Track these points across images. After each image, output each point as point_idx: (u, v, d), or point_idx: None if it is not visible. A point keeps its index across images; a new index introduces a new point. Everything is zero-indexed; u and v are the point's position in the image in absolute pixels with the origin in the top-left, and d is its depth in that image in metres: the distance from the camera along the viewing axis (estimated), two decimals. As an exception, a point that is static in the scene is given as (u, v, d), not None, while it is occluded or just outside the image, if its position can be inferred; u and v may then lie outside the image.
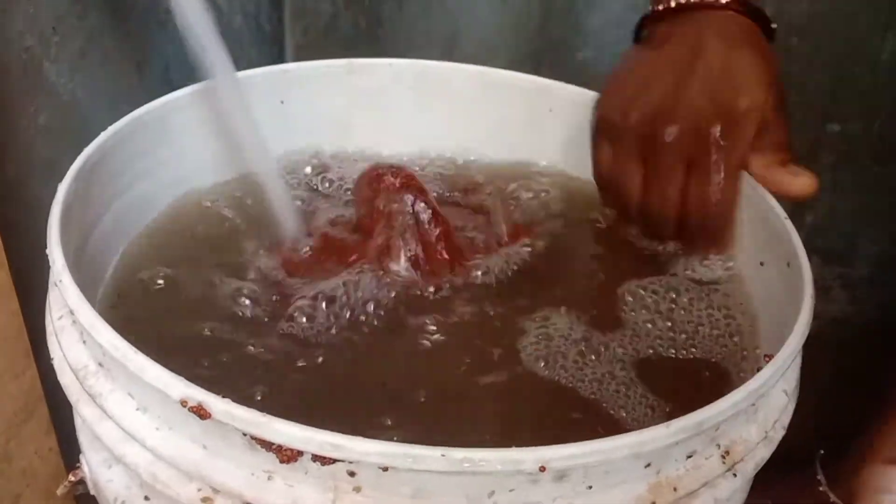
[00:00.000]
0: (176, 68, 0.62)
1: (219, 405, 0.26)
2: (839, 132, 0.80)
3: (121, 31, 0.57)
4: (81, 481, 0.38)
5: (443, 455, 0.25)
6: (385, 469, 0.25)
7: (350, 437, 0.25)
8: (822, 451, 0.68)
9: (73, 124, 0.52)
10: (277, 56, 0.89)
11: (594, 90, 0.53)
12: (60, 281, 0.31)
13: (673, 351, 0.38)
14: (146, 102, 0.45)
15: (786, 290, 0.37)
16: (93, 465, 0.36)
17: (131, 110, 0.44)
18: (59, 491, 0.40)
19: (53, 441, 0.44)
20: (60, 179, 0.37)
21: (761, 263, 0.41)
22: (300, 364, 0.35)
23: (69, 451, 0.47)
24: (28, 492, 0.43)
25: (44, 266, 0.37)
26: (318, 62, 0.53)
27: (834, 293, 0.87)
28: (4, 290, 0.39)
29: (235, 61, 0.45)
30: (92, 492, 0.37)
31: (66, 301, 0.31)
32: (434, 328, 0.37)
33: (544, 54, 0.84)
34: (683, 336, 0.38)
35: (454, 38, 0.87)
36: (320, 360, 0.35)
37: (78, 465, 0.38)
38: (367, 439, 0.25)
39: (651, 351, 0.38)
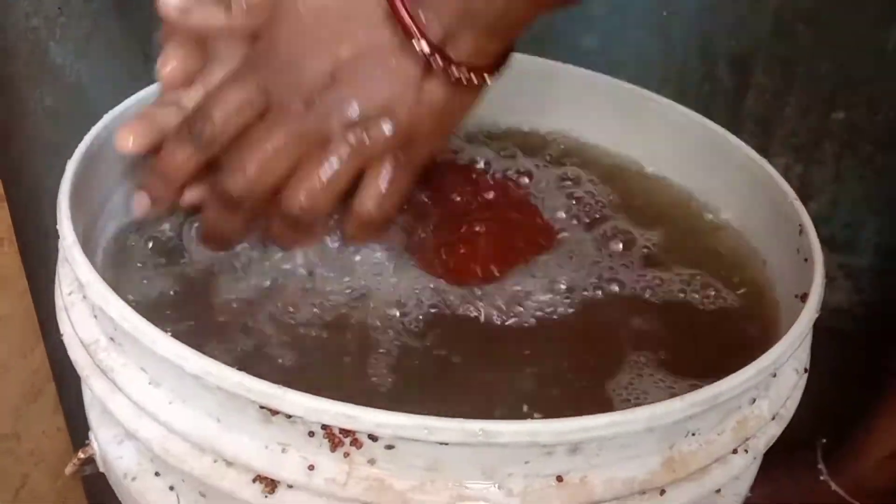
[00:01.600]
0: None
1: (233, 377, 0.26)
2: (843, 120, 0.80)
3: (126, 16, 0.57)
4: (90, 459, 0.38)
5: (459, 426, 0.25)
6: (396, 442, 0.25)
7: (364, 408, 0.25)
8: (823, 440, 0.68)
9: (78, 107, 0.52)
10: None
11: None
12: (71, 256, 0.31)
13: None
14: (149, 84, 0.45)
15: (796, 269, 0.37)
16: (102, 442, 0.36)
17: (134, 92, 0.44)
18: (68, 470, 0.40)
19: (61, 420, 0.44)
20: (65, 161, 0.37)
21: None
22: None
23: (77, 430, 0.47)
24: (36, 471, 0.43)
25: (50, 246, 0.37)
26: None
27: (837, 282, 0.88)
28: (13, 269, 0.39)
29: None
30: (101, 469, 0.37)
31: (77, 275, 0.31)
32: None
33: (548, 41, 0.84)
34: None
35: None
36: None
37: (87, 442, 0.38)
38: (381, 410, 0.25)
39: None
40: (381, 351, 0.33)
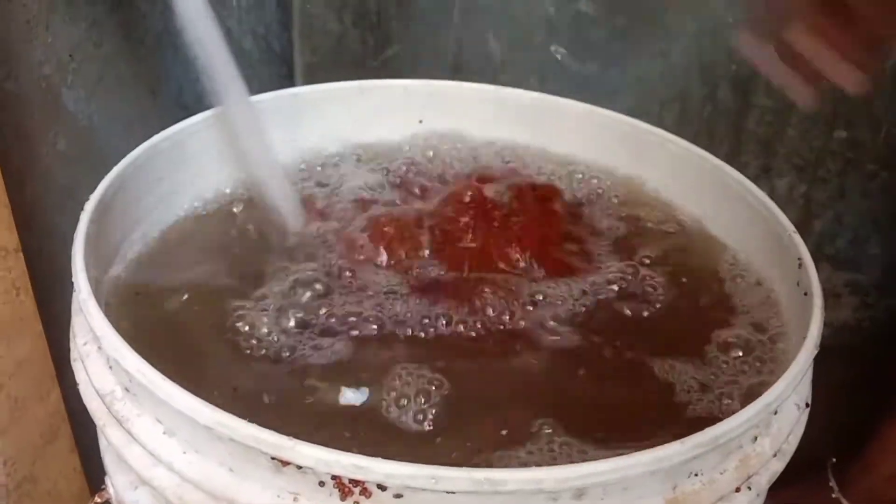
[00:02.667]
0: (189, 92, 0.63)
1: (244, 429, 0.27)
2: (846, 139, 0.81)
3: (135, 57, 0.58)
4: (107, 502, 0.39)
5: (466, 475, 0.25)
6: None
7: (373, 458, 0.26)
8: (833, 459, 0.69)
9: (91, 149, 0.53)
10: (287, 75, 0.91)
11: (600, 106, 0.54)
12: (87, 308, 0.32)
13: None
14: (160, 126, 0.46)
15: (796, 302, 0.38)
16: (118, 486, 0.36)
17: (146, 134, 0.45)
18: (84, 513, 0.41)
19: (77, 462, 0.45)
20: (79, 204, 0.38)
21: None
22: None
23: (93, 471, 0.48)
24: (52, 513, 0.44)
25: (64, 289, 0.38)
26: (328, 85, 0.54)
27: (843, 299, 0.88)
28: (29, 314, 0.39)
29: (246, 81, 0.46)
30: (117, 513, 0.38)
31: (92, 328, 0.32)
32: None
33: (549, 69, 0.85)
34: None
35: (460, 55, 0.88)
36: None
37: (103, 486, 0.39)
38: (389, 461, 0.26)
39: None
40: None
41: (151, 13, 0.58)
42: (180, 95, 0.63)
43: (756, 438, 0.31)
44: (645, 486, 0.28)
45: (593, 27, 0.83)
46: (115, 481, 0.36)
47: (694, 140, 0.50)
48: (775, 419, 0.32)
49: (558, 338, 0.38)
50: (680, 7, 0.79)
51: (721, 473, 0.30)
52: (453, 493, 0.26)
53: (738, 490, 0.31)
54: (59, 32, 0.49)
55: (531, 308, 0.39)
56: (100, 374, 0.33)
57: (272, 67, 0.88)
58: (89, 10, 0.52)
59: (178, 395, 0.28)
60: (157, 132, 0.45)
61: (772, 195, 0.44)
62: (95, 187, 0.40)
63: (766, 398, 0.30)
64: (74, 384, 0.35)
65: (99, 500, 0.39)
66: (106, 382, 0.32)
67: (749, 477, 0.31)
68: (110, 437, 0.32)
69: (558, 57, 0.71)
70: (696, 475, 0.29)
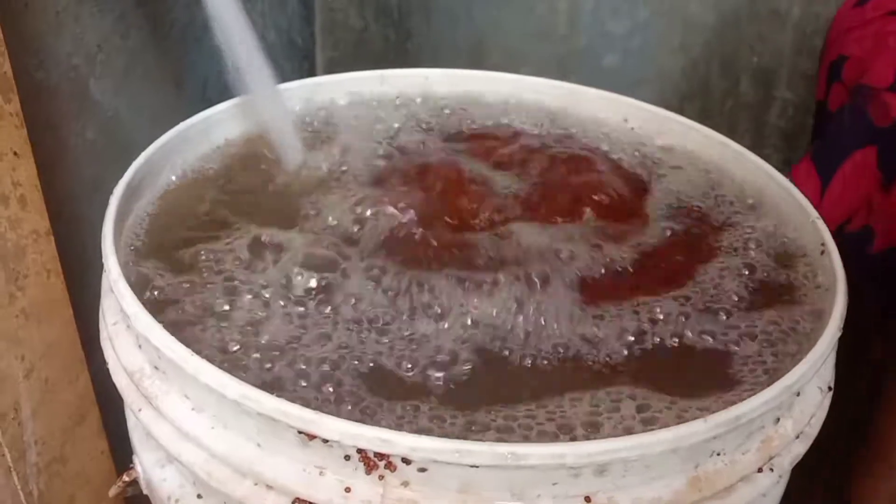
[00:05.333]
0: (213, 86, 0.64)
1: (270, 403, 0.27)
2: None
3: (160, 49, 0.59)
4: (134, 481, 0.39)
5: (489, 450, 0.26)
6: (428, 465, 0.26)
7: (398, 432, 0.26)
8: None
9: (117, 139, 0.54)
10: (309, 70, 0.91)
11: (621, 94, 0.55)
12: (117, 289, 0.33)
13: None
14: (185, 117, 0.47)
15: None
16: (146, 465, 0.37)
17: (171, 125, 0.46)
18: (112, 492, 0.42)
19: (105, 444, 0.46)
20: (106, 192, 0.39)
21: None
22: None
23: (120, 453, 0.48)
24: (81, 493, 0.45)
25: (93, 274, 0.39)
26: (350, 74, 0.55)
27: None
28: (59, 296, 0.40)
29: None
30: (145, 491, 0.38)
31: (122, 306, 0.32)
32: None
33: (571, 60, 0.85)
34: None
35: (481, 47, 0.88)
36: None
37: (131, 465, 0.39)
38: (414, 435, 0.26)
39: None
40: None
41: (176, 6, 0.59)
42: (205, 89, 0.64)
43: (778, 420, 0.31)
44: (667, 464, 0.28)
45: (614, 19, 0.83)
46: (143, 459, 0.37)
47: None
48: (797, 401, 0.32)
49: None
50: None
51: (743, 454, 0.30)
52: (477, 466, 0.26)
53: (760, 471, 0.31)
54: (87, 24, 0.50)
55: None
56: (129, 352, 0.33)
57: (294, 62, 0.89)
58: (116, 3, 0.53)
59: (206, 370, 0.28)
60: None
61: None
62: (121, 175, 0.40)
63: (787, 380, 0.30)
64: (102, 367, 0.36)
65: (127, 479, 0.39)
66: (135, 361, 0.33)
67: (771, 458, 0.31)
68: (139, 415, 0.33)
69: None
70: (717, 455, 0.29)
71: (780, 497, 0.36)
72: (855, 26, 0.62)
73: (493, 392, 0.32)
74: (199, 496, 0.34)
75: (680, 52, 0.84)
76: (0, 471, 0.39)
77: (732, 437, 0.29)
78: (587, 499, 0.28)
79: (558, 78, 0.58)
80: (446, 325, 0.35)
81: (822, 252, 0.39)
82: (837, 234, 0.39)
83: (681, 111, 0.53)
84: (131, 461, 0.40)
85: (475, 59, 0.88)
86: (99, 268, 0.36)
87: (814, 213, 0.41)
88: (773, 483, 0.32)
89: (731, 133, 0.52)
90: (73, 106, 0.51)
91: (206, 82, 0.64)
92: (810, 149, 0.64)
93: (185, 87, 0.63)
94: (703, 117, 0.85)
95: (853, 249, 0.54)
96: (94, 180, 0.52)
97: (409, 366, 0.33)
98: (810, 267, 0.40)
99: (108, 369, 0.35)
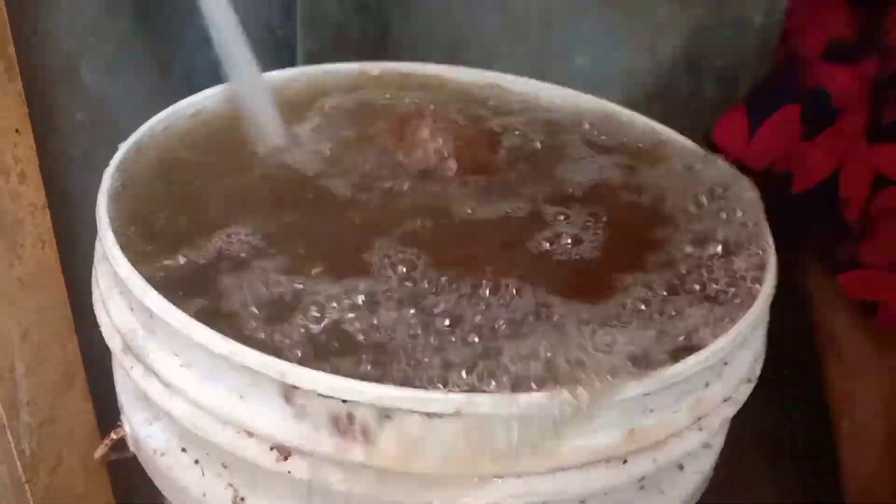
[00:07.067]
0: (199, 73, 0.67)
1: (256, 357, 0.30)
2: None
3: (149, 34, 0.62)
4: (120, 441, 0.42)
5: (443, 397, 0.29)
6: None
7: (367, 383, 0.29)
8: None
9: (106, 120, 0.57)
10: (289, 62, 0.94)
11: (589, 93, 0.58)
12: (112, 254, 0.36)
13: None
14: (171, 101, 0.49)
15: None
16: (134, 423, 0.40)
17: (157, 109, 0.48)
18: (98, 452, 0.45)
19: (90, 407, 0.49)
20: (96, 170, 0.42)
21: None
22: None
23: (104, 417, 0.51)
24: (69, 454, 0.47)
25: (81, 248, 0.41)
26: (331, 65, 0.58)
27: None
28: (52, 265, 0.43)
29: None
30: (132, 448, 0.41)
31: (117, 271, 0.35)
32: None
33: (544, 60, 0.89)
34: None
35: (458, 44, 0.91)
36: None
37: (118, 424, 0.42)
38: (381, 385, 0.29)
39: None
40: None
41: (164, -6, 0.62)
42: (191, 75, 0.67)
43: (708, 384, 0.35)
44: (603, 418, 0.32)
45: (586, 19, 0.87)
46: (132, 418, 0.40)
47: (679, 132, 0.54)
48: (726, 369, 0.36)
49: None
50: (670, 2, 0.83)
51: (675, 413, 0.34)
52: (439, 415, 0.29)
53: (689, 429, 0.34)
54: (79, 7, 0.53)
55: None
56: (121, 314, 0.36)
57: (276, 53, 0.91)
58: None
59: (195, 328, 0.31)
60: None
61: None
62: (111, 156, 0.43)
63: (717, 344, 0.34)
64: (90, 333, 0.38)
65: (114, 437, 0.42)
66: (127, 322, 0.36)
67: (699, 418, 0.35)
68: (131, 373, 0.36)
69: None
70: (651, 411, 0.33)
71: (715, 459, 0.40)
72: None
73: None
74: (183, 450, 0.38)
75: (647, 54, 0.88)
76: (-6, 427, 0.41)
77: (665, 396, 0.33)
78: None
79: (532, 75, 0.61)
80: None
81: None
82: (765, 174, 0.47)
83: (647, 111, 0.57)
84: (116, 423, 0.43)
85: (453, 55, 0.91)
86: (84, 241, 0.38)
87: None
88: (703, 441, 0.35)
89: (693, 132, 0.56)
90: (64, 88, 0.54)
91: (192, 69, 0.67)
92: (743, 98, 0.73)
93: (170, 73, 0.65)
94: (668, 117, 0.89)
95: (778, 189, 0.64)
96: (83, 159, 0.55)
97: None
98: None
99: (94, 336, 0.38)
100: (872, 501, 0.68)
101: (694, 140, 0.53)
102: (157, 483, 0.40)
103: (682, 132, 0.54)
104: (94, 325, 0.39)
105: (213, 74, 0.51)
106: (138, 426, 0.40)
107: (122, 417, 0.42)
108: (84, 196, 0.41)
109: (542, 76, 0.61)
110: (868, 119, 0.61)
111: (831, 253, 0.66)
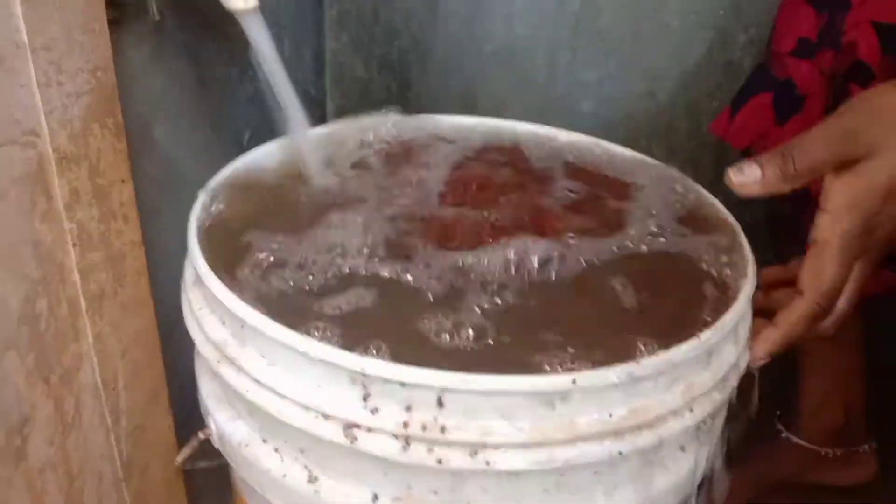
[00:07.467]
0: (244, 132, 0.76)
1: (330, 352, 0.38)
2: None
3: (204, 100, 0.71)
4: (207, 439, 0.50)
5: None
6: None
7: (420, 368, 0.37)
8: (777, 413, 0.80)
9: (171, 172, 0.66)
10: (320, 117, 1.03)
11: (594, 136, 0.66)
12: (208, 281, 0.43)
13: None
14: (222, 157, 0.58)
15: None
16: (219, 422, 0.48)
17: (211, 163, 0.57)
18: (181, 455, 0.52)
19: (171, 420, 0.57)
20: (165, 217, 0.50)
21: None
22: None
23: (182, 427, 0.59)
24: (155, 460, 0.55)
25: (168, 279, 0.49)
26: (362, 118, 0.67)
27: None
28: (146, 298, 0.51)
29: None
30: (216, 445, 0.49)
31: (213, 292, 0.43)
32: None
33: (551, 107, 0.98)
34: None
35: (471, 95, 1.00)
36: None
37: (199, 431, 0.50)
38: (434, 370, 0.37)
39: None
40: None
41: (217, 63, 0.71)
42: (239, 133, 0.76)
43: (699, 371, 0.43)
44: (608, 395, 0.39)
45: (587, 70, 0.96)
46: (217, 418, 0.48)
47: (680, 169, 0.62)
48: (715, 358, 0.43)
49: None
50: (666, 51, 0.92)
51: (669, 394, 0.41)
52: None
53: (681, 409, 0.42)
54: (152, 79, 0.62)
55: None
56: (213, 328, 0.44)
57: (308, 110, 1.01)
58: (174, 63, 0.65)
59: (282, 332, 0.39)
60: (220, 162, 0.57)
61: (751, 222, 0.56)
62: (174, 202, 0.52)
63: (705, 335, 0.41)
64: (174, 356, 0.46)
65: (202, 437, 0.49)
66: (219, 334, 0.44)
67: (692, 399, 0.42)
68: (224, 375, 0.43)
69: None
70: (649, 392, 0.40)
71: (714, 444, 0.47)
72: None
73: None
74: (264, 440, 0.45)
75: (647, 97, 0.96)
76: (102, 431, 0.49)
77: (660, 380, 0.40)
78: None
79: (539, 122, 0.70)
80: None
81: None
82: (746, 154, 0.56)
83: (648, 151, 0.65)
84: (194, 432, 0.50)
85: (467, 105, 1.00)
86: (165, 276, 0.46)
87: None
88: (695, 422, 0.42)
89: (694, 168, 0.63)
90: (140, 146, 0.62)
91: (238, 129, 0.76)
92: None
93: (221, 132, 0.75)
94: (670, 154, 0.97)
95: None
96: (153, 207, 0.63)
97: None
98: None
99: (177, 357, 0.46)
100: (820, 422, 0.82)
101: (695, 176, 0.61)
102: (241, 472, 0.47)
103: (682, 167, 0.62)
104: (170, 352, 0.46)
105: (256, 133, 0.60)
106: (223, 424, 0.47)
107: (208, 419, 0.49)
108: (156, 238, 0.50)
109: (548, 122, 0.69)
110: (827, 105, 0.68)
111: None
